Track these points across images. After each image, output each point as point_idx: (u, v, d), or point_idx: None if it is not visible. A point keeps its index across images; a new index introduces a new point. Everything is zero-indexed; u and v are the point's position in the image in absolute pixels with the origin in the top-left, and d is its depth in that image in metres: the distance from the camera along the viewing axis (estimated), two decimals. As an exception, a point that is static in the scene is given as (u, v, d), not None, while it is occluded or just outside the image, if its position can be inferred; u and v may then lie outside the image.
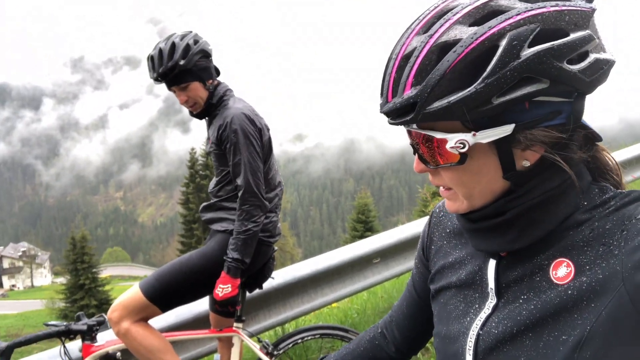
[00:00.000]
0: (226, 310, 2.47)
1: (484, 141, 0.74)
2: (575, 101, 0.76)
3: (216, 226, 2.58)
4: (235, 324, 2.59)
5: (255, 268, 2.63)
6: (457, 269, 0.96)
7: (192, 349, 2.99)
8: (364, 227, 25.50)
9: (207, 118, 2.67)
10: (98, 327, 2.39)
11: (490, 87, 0.70)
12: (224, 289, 2.41)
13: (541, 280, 0.79)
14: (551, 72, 0.71)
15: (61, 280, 37.62)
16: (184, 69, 2.44)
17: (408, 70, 0.74)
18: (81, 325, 2.34)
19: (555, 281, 0.77)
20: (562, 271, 0.77)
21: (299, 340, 2.69)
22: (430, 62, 0.73)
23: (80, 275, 30.99)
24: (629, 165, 6.01)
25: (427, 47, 0.73)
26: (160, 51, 2.44)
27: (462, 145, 0.75)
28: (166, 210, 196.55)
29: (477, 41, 0.70)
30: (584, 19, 0.73)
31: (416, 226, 4.12)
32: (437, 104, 0.72)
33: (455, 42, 0.72)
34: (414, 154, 0.85)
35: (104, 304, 29.61)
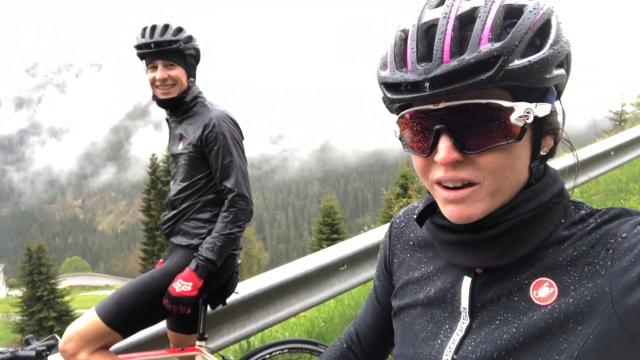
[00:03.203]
0: (177, 309, 2.28)
1: (540, 114, 0.72)
2: (559, 100, 0.78)
3: (179, 240, 2.44)
4: (197, 343, 2.48)
5: (219, 282, 2.51)
6: (424, 286, 0.90)
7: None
8: (330, 230, 25.48)
9: (172, 117, 2.53)
10: (48, 352, 2.22)
11: (554, 54, 0.71)
12: (183, 285, 2.26)
13: (520, 300, 0.75)
14: (570, 65, 0.76)
15: (17, 292, 35.98)
16: (180, 49, 2.41)
17: (480, 25, 0.69)
18: (29, 350, 2.16)
19: (536, 302, 0.73)
20: (543, 291, 0.73)
21: (267, 356, 2.61)
22: (500, 21, 0.69)
23: (38, 287, 29.72)
24: (585, 165, 6.17)
25: (495, 6, 0.70)
26: (167, 25, 2.43)
27: (528, 116, 0.70)
28: (127, 217, 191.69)
29: (542, 10, 0.71)
30: None
31: (382, 232, 4.10)
32: (518, 62, 0.67)
33: (521, 7, 0.71)
34: (433, 142, 0.73)
35: (64, 315, 28.52)
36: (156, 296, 2.30)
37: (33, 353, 2.17)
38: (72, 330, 2.21)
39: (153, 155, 33.11)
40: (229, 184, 2.36)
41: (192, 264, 2.30)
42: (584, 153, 6.29)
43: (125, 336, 2.29)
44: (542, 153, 0.77)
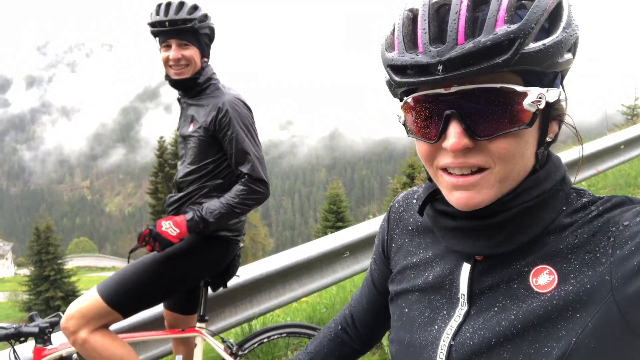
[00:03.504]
0: (152, 245, 2.27)
1: (551, 100, 0.70)
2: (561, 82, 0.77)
3: None
4: (198, 324, 2.50)
5: (221, 266, 2.52)
6: (422, 271, 0.90)
7: (153, 349, 2.89)
8: (336, 218, 25.57)
9: (184, 97, 2.50)
10: (52, 329, 2.26)
11: (567, 38, 0.69)
12: (170, 227, 2.26)
13: (519, 287, 0.75)
14: (576, 47, 0.74)
15: (24, 271, 36.50)
16: (195, 28, 2.36)
17: (496, 6, 0.66)
18: (32, 327, 2.20)
19: (535, 289, 0.73)
20: (543, 279, 0.73)
21: (265, 340, 2.62)
22: (514, 2, 0.67)
23: (45, 266, 30.17)
24: (594, 158, 6.11)
25: None
26: (182, 3, 2.37)
27: (540, 101, 0.69)
28: (134, 199, 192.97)
29: None
30: None
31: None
32: (533, 46, 0.66)
33: None
34: (443, 128, 0.71)
35: (70, 295, 28.95)
36: (157, 278, 2.30)
37: (36, 329, 2.20)
38: (74, 308, 2.22)
39: (161, 137, 33.15)
40: (245, 169, 2.33)
41: (188, 215, 2.28)
42: (593, 146, 6.20)
43: (125, 316, 2.30)
44: (548, 139, 0.76)
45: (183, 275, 2.35)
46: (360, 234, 3.80)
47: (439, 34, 0.69)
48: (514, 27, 0.65)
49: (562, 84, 0.77)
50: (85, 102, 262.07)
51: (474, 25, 0.67)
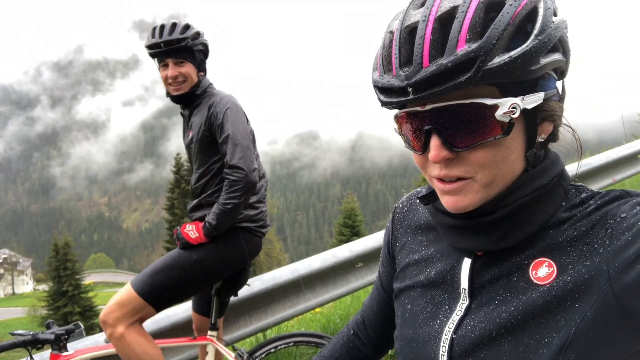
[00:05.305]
0: (175, 242, 2.50)
1: (529, 106, 0.71)
2: (561, 80, 0.78)
3: None
4: (209, 333, 2.53)
5: (246, 258, 2.56)
6: (424, 268, 0.91)
7: (170, 357, 2.89)
8: (351, 232, 25.47)
9: (185, 110, 2.63)
10: (67, 337, 2.29)
11: (540, 44, 0.69)
12: (191, 231, 2.42)
13: (519, 280, 0.76)
14: (566, 46, 0.75)
15: (43, 287, 36.94)
16: (188, 46, 2.50)
17: (457, 26, 0.68)
18: (49, 334, 2.23)
19: (535, 281, 0.74)
20: (542, 271, 0.74)
21: (272, 349, 2.64)
22: (480, 18, 0.68)
23: (63, 282, 30.41)
24: (610, 168, 6.04)
25: (474, 3, 0.69)
26: (174, 24, 2.53)
27: (514, 111, 0.70)
28: (151, 215, 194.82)
29: (525, 0, 0.70)
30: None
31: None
32: (498, 60, 0.67)
33: (503, 0, 0.70)
34: (425, 141, 0.75)
35: (88, 310, 29.12)
36: (185, 270, 2.39)
37: (52, 336, 2.23)
38: (113, 302, 2.34)
39: (178, 154, 33.53)
40: (225, 157, 2.43)
41: (203, 227, 2.43)
42: (610, 155, 6.14)
43: (158, 310, 2.38)
44: (540, 140, 0.77)
45: (210, 266, 2.42)
46: (374, 244, 3.79)
47: (409, 57, 0.72)
48: (474, 46, 0.66)
49: (562, 80, 0.78)
50: (111, 118, 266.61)
51: (443, 45, 0.69)
